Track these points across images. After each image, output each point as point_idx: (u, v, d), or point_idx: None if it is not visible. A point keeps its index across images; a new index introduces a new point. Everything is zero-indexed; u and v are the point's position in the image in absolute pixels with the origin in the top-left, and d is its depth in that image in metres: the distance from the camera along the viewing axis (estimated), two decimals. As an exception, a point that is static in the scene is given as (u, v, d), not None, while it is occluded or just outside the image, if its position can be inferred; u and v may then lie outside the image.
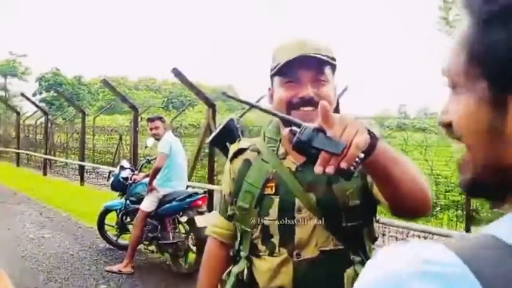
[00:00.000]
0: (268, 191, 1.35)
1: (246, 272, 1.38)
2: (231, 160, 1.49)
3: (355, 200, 1.29)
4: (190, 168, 8.00)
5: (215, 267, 1.53)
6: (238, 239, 1.44)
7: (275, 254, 1.33)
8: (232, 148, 1.51)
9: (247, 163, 1.43)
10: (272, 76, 1.37)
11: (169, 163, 5.31)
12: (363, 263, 1.28)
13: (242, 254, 1.41)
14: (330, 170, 0.89)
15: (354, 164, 0.91)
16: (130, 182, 5.76)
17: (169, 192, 5.32)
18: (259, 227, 1.36)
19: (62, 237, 6.83)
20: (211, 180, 7.80)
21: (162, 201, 5.30)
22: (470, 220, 7.17)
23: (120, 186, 5.87)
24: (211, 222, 1.58)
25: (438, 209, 9.51)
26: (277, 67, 1.30)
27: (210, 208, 7.29)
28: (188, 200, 5.20)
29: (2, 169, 16.48)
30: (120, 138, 15.91)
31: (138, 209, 5.39)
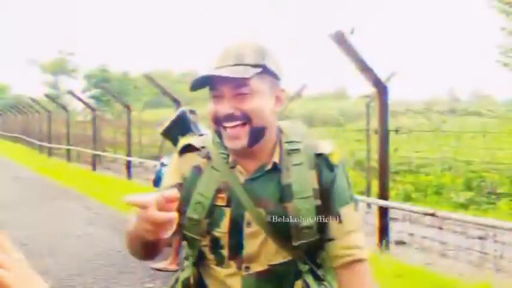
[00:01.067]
0: (219, 202, 1.30)
1: (192, 278, 1.34)
2: (180, 154, 1.40)
3: (308, 220, 1.26)
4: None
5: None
6: (187, 246, 1.38)
7: (224, 266, 1.31)
8: (182, 142, 1.41)
9: (198, 171, 1.35)
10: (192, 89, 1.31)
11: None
12: (311, 272, 1.29)
13: (190, 260, 1.36)
14: None
15: None
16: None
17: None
18: (209, 237, 1.31)
19: (109, 234, 6.85)
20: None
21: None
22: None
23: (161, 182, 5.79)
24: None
25: (496, 197, 9.00)
26: (192, 83, 1.25)
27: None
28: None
29: (54, 165, 16.98)
30: (165, 132, 15.99)
31: (181, 206, 5.28)
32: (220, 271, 1.32)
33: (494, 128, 10.56)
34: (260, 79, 1.25)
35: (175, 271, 4.98)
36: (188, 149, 1.39)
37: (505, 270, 4.89)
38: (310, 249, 1.30)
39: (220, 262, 1.32)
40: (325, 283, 1.31)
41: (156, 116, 22.66)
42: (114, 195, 9.97)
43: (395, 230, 6.25)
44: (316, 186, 1.29)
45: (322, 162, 1.30)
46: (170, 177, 1.41)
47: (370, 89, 6.82)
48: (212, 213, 1.30)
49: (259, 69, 1.24)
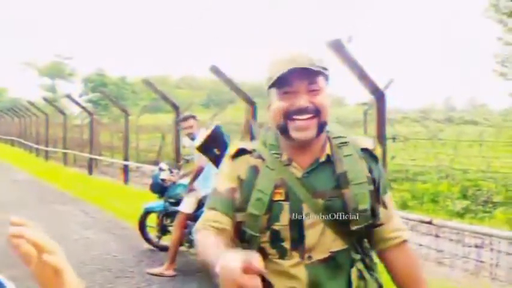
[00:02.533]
0: (277, 197, 1.40)
1: None
2: (233, 158, 1.49)
3: (364, 204, 1.39)
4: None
5: (216, 237, 1.37)
6: (245, 243, 1.44)
7: (286, 258, 1.39)
8: (233, 146, 1.52)
9: (255, 170, 1.45)
10: (268, 88, 1.45)
11: (208, 163, 5.16)
12: (362, 260, 1.42)
13: None
14: None
15: None
16: (169, 183, 5.66)
17: (208, 192, 5.17)
18: (268, 232, 1.40)
19: (106, 238, 6.84)
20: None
21: (202, 202, 5.17)
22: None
23: (159, 188, 5.79)
24: (203, 218, 1.47)
25: (492, 205, 9.04)
26: (272, 80, 1.38)
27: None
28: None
29: (50, 169, 16.94)
30: (163, 137, 16.01)
31: (178, 211, 5.28)
32: (284, 263, 1.39)
33: (491, 137, 10.62)
34: (324, 80, 1.43)
35: (172, 276, 4.94)
36: (241, 152, 1.50)
37: (501, 279, 4.91)
38: (361, 238, 1.45)
39: (283, 254, 1.40)
40: (372, 272, 1.45)
41: (154, 120, 22.67)
42: (110, 199, 9.96)
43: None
44: (368, 173, 1.44)
45: (367, 155, 1.47)
46: (225, 181, 1.48)
47: (367, 97, 6.86)
48: (271, 209, 1.39)
49: (326, 71, 1.42)
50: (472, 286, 4.93)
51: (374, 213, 1.43)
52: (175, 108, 9.90)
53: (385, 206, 1.47)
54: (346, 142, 1.47)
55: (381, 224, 1.46)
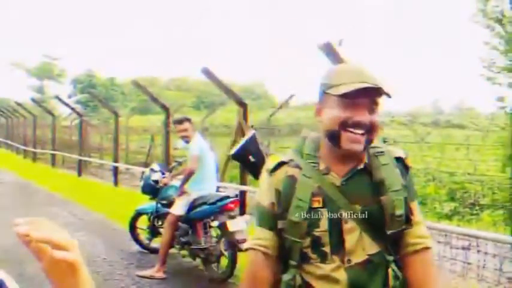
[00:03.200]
0: (315, 204, 1.47)
1: (298, 278, 1.49)
2: (272, 172, 1.57)
3: (400, 210, 1.46)
4: (222, 169, 7.89)
5: (260, 277, 1.55)
6: (287, 249, 1.52)
7: (327, 262, 1.47)
8: (272, 160, 1.60)
9: (293, 179, 1.52)
10: (325, 92, 1.49)
11: (200, 165, 5.18)
12: (395, 262, 1.49)
13: (291, 263, 1.51)
14: None
15: None
16: (161, 185, 5.67)
17: (200, 195, 5.19)
18: (309, 238, 1.47)
19: (95, 240, 6.81)
20: (243, 180, 7.66)
21: (193, 204, 5.18)
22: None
23: (150, 189, 5.79)
24: (254, 237, 1.60)
25: (479, 208, 9.14)
26: (342, 90, 1.41)
27: (242, 210, 7.15)
28: (219, 203, 5.07)
29: (38, 170, 16.82)
30: (152, 139, 15.97)
31: (169, 213, 5.29)
32: (325, 267, 1.47)
33: (477, 140, 10.74)
34: (380, 103, 1.49)
35: (162, 279, 4.95)
36: (278, 166, 1.57)
37: (488, 280, 4.98)
38: (395, 241, 1.51)
39: (324, 259, 1.48)
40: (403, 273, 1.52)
41: (144, 122, 22.59)
42: (100, 201, 9.92)
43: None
44: (403, 181, 1.51)
45: (400, 164, 1.55)
46: (265, 196, 1.57)
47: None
48: (310, 215, 1.47)
49: (388, 95, 1.47)
50: (459, 287, 4.99)
51: (408, 219, 1.51)
52: (165, 109, 9.89)
53: (411, 213, 1.53)
54: (382, 152, 1.54)
55: (406, 228, 1.52)
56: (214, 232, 5.27)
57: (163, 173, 5.86)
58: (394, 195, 1.47)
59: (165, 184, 5.65)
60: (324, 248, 1.47)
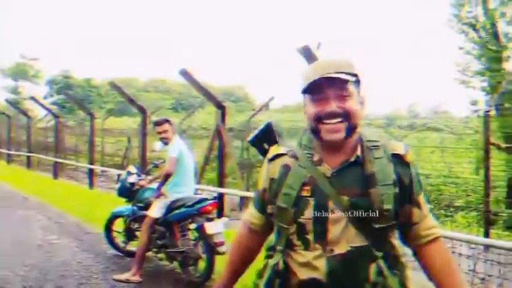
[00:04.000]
0: (304, 193, 1.54)
1: (281, 263, 1.57)
2: (270, 161, 1.68)
3: (389, 205, 1.49)
4: (199, 171, 7.85)
5: (239, 250, 1.80)
6: (275, 234, 1.64)
7: (310, 249, 1.52)
8: (273, 151, 1.71)
9: (287, 168, 1.61)
10: (303, 94, 1.59)
11: (178, 168, 5.15)
12: (384, 258, 1.51)
13: (278, 248, 1.59)
14: None
15: None
16: (138, 187, 5.61)
17: (178, 198, 5.16)
18: (295, 225, 1.54)
19: (70, 244, 6.70)
20: (221, 183, 7.64)
21: (171, 207, 5.15)
22: (489, 223, 6.93)
23: (127, 191, 5.73)
24: (247, 212, 1.81)
25: (454, 210, 9.30)
26: (306, 87, 1.52)
27: (220, 213, 7.13)
28: (197, 206, 5.05)
29: (14, 172, 16.49)
30: (129, 141, 15.82)
31: (146, 215, 5.24)
32: (307, 254, 1.53)
33: (452, 143, 10.93)
34: (354, 86, 1.54)
35: (138, 282, 4.88)
36: (278, 156, 1.67)
37: (461, 281, 5.06)
38: (383, 237, 1.53)
39: (306, 246, 1.53)
40: (395, 271, 1.54)
41: (120, 124, 22.34)
42: (75, 204, 9.77)
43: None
44: (395, 176, 1.53)
45: (397, 160, 1.57)
46: (261, 182, 1.72)
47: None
48: (298, 203, 1.54)
49: (354, 77, 1.53)
50: (433, 288, 5.06)
51: (397, 215, 1.53)
52: (143, 111, 9.81)
53: (419, 207, 1.58)
54: (377, 145, 1.57)
55: (415, 223, 1.58)
56: (191, 235, 5.24)
57: (139, 176, 5.81)
58: (383, 189, 1.49)
59: (142, 186, 5.60)
60: (307, 236, 1.52)
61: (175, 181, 5.19)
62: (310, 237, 1.52)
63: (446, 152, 9.96)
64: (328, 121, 1.50)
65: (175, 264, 5.41)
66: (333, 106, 1.50)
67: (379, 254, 1.50)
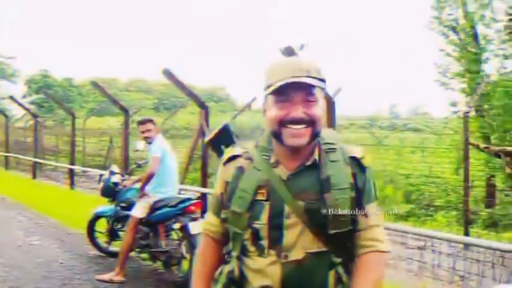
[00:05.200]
0: (259, 197, 1.46)
1: (236, 270, 1.50)
2: (225, 164, 1.60)
3: (344, 209, 1.43)
4: (183, 171, 7.82)
5: (206, 262, 1.65)
6: (230, 239, 1.55)
7: (264, 255, 1.45)
8: (227, 153, 1.61)
9: (241, 170, 1.53)
10: (266, 94, 1.49)
11: (161, 168, 5.13)
12: (343, 264, 1.46)
13: (233, 254, 1.53)
14: None
15: None
16: (121, 187, 5.57)
17: (161, 197, 5.14)
18: (250, 230, 1.46)
19: (51, 244, 6.62)
20: (204, 183, 7.63)
21: (154, 207, 5.12)
22: (468, 222, 7.07)
23: (110, 191, 5.68)
24: (205, 221, 1.69)
25: (434, 209, 9.45)
26: (272, 88, 1.42)
27: (204, 213, 7.12)
28: (181, 206, 5.03)
29: (-10, 173, 16.19)
30: (111, 141, 15.68)
31: (129, 216, 5.21)
32: (262, 261, 1.45)
33: (432, 143, 11.09)
34: (320, 91, 1.48)
35: (121, 282, 4.86)
36: (232, 158, 1.59)
37: (442, 279, 5.16)
38: (342, 242, 1.46)
39: (261, 252, 1.46)
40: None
41: (101, 124, 22.13)
42: (56, 204, 9.64)
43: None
44: (351, 180, 1.48)
45: (354, 164, 1.51)
46: (217, 186, 1.62)
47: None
48: (253, 207, 1.46)
49: (323, 84, 1.47)
50: (415, 286, 5.15)
51: (354, 220, 1.47)
52: (125, 111, 9.73)
53: (365, 215, 1.49)
54: (334, 148, 1.51)
55: (358, 230, 1.49)
56: (175, 235, 5.22)
57: (123, 175, 5.77)
58: (338, 194, 1.43)
59: (125, 186, 5.57)
60: (262, 242, 1.45)
61: (158, 181, 5.17)
62: (265, 243, 1.45)
63: (427, 152, 10.11)
64: (292, 126, 1.43)
65: (158, 264, 5.39)
66: (299, 112, 1.42)
67: (338, 260, 1.45)
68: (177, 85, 7.17)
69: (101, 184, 5.85)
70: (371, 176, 1.55)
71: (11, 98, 16.07)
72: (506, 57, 11.18)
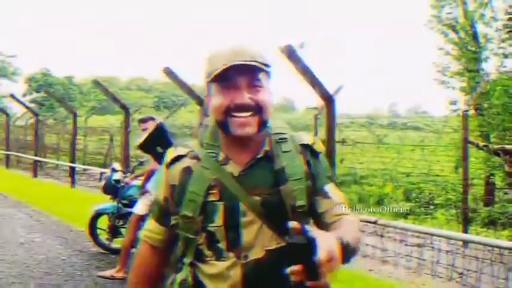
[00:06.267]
0: (211, 197, 1.37)
1: (190, 277, 1.39)
2: (168, 166, 1.47)
3: (301, 200, 1.37)
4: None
5: (146, 272, 1.54)
6: (180, 246, 1.44)
7: (222, 259, 1.36)
8: (169, 154, 1.49)
9: (188, 171, 1.42)
10: (207, 82, 1.39)
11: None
12: None
13: (185, 260, 1.41)
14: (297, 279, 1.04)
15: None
16: (123, 184, 5.62)
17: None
18: (204, 234, 1.37)
19: (53, 241, 6.66)
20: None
21: (156, 204, 5.17)
22: (467, 220, 7.11)
23: (112, 189, 5.73)
24: (145, 228, 1.56)
25: (434, 207, 9.49)
26: (214, 73, 1.33)
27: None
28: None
29: (-9, 171, 16.23)
30: (111, 139, 15.72)
31: (130, 212, 5.25)
32: (220, 264, 1.36)
33: (431, 142, 11.13)
34: (266, 77, 1.40)
35: (123, 279, 4.90)
36: (175, 160, 1.46)
37: (441, 276, 5.20)
38: None
39: (219, 256, 1.37)
40: None
41: (102, 122, 22.19)
42: (57, 202, 9.69)
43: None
44: (305, 169, 1.41)
45: (307, 150, 1.45)
46: (161, 190, 1.49)
47: (317, 102, 7.05)
48: (205, 210, 1.36)
49: (268, 68, 1.39)
50: (414, 283, 5.19)
51: (312, 210, 1.41)
52: (125, 109, 9.76)
53: (326, 196, 1.42)
54: (285, 138, 1.44)
55: (322, 213, 1.41)
56: (176, 231, 5.26)
57: (124, 173, 5.81)
58: (294, 184, 1.37)
59: (127, 184, 5.61)
60: (219, 244, 1.36)
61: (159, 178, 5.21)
62: (223, 245, 1.36)
63: (427, 150, 10.15)
64: (238, 114, 1.33)
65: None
66: (245, 97, 1.33)
67: None
68: (178, 83, 7.20)
69: (103, 181, 5.90)
70: (324, 160, 1.48)
71: (12, 96, 16.08)
72: (505, 55, 11.21)
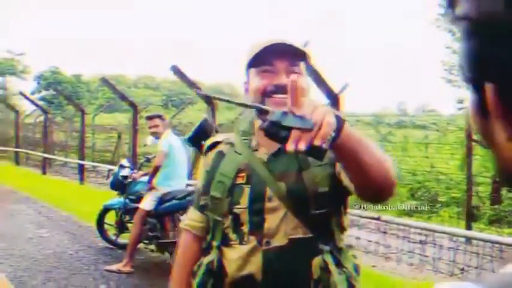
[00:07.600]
0: (239, 180, 1.40)
1: (215, 261, 1.40)
2: (206, 153, 1.54)
3: (324, 187, 1.34)
4: (191, 167, 7.95)
5: (188, 260, 1.54)
6: (211, 229, 1.46)
7: (244, 243, 1.36)
8: (207, 142, 1.56)
9: (221, 155, 1.48)
10: (248, 69, 1.42)
11: (169, 162, 5.27)
12: (331, 253, 1.35)
13: (214, 243, 1.43)
14: (302, 146, 0.91)
15: (327, 141, 0.93)
16: (130, 180, 5.72)
17: (169, 190, 5.28)
18: (230, 216, 1.39)
19: (61, 237, 6.78)
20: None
21: (162, 200, 5.27)
22: (471, 217, 7.14)
23: (119, 185, 5.83)
24: (187, 218, 1.60)
25: (439, 205, 9.51)
26: (253, 56, 1.35)
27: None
28: (188, 198, 5.16)
29: (1, 168, 16.43)
30: (119, 137, 15.85)
31: (137, 208, 5.35)
32: (242, 249, 1.36)
33: (436, 140, 11.14)
34: (304, 66, 1.40)
35: (129, 273, 5.01)
36: (212, 146, 1.53)
37: (443, 272, 5.25)
38: (327, 226, 1.37)
39: (241, 240, 1.37)
40: (344, 269, 1.37)
41: (110, 120, 22.34)
42: (65, 199, 9.82)
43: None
44: (330, 155, 1.31)
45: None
46: (200, 178, 1.55)
47: (323, 101, 7.12)
48: (233, 191, 1.40)
49: (307, 57, 1.39)
50: (416, 279, 5.25)
51: (338, 198, 1.38)
52: (133, 107, 9.87)
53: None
54: None
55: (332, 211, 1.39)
56: (182, 227, 5.35)
57: (132, 169, 5.92)
58: (317, 170, 1.35)
59: (134, 180, 5.71)
60: (242, 228, 1.37)
61: (166, 174, 5.31)
62: (245, 228, 1.36)
63: (432, 149, 10.17)
64: (276, 96, 1.32)
65: (166, 255, 5.53)
66: (283, 78, 1.31)
67: (326, 248, 1.35)
68: (185, 81, 7.29)
69: (111, 178, 6.01)
70: None
71: (21, 94, 16.27)
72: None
